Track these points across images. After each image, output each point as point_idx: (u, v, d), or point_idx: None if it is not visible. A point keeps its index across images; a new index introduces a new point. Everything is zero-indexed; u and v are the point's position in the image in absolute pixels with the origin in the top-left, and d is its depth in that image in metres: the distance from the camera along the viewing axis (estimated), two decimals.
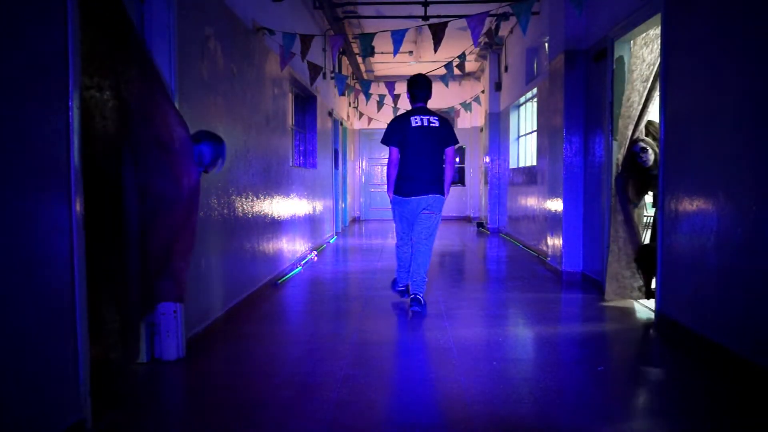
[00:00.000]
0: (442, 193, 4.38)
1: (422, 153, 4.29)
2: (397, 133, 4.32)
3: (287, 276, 5.74)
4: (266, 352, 3.39)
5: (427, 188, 4.30)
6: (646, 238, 4.85)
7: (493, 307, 4.57)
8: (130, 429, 2.40)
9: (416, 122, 4.30)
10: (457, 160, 14.01)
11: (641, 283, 4.41)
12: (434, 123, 4.32)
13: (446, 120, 4.45)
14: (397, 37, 4.73)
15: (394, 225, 4.59)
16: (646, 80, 4.29)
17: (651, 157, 4.26)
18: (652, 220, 4.66)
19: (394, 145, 4.32)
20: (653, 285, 4.38)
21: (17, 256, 1.94)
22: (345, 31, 8.50)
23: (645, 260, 4.27)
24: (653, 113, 4.29)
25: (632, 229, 4.40)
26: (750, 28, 2.81)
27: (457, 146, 4.51)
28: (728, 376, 2.88)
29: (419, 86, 4.42)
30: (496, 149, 10.58)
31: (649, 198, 4.65)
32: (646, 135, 4.45)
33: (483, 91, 11.45)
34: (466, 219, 13.70)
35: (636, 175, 4.34)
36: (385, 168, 4.52)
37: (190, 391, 2.88)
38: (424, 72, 5.15)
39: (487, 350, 3.41)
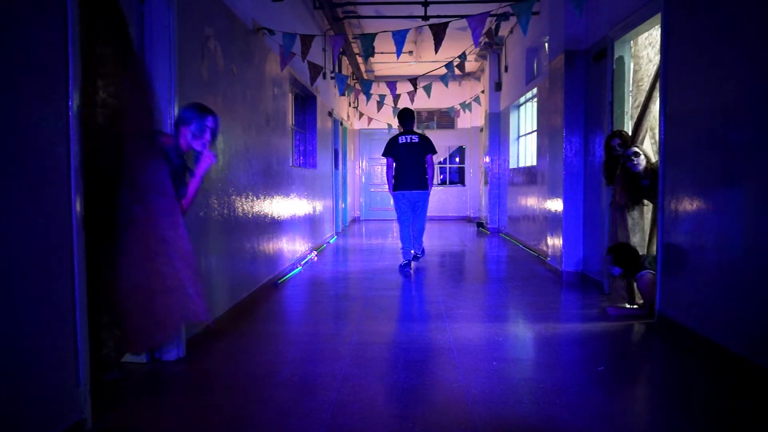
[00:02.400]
0: (425, 189, 6.25)
1: (407, 161, 6.21)
2: (390, 148, 6.31)
3: (287, 276, 5.74)
4: (266, 352, 3.39)
5: (413, 185, 6.20)
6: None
7: (493, 307, 4.57)
8: (130, 429, 2.40)
9: (402, 140, 6.26)
10: (457, 160, 14.06)
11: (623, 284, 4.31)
12: (414, 140, 6.24)
13: (425, 137, 6.32)
14: (399, 38, 4.73)
15: (396, 213, 6.44)
16: (649, 80, 4.28)
17: (642, 163, 4.10)
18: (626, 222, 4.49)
19: (389, 156, 6.31)
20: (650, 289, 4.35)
21: (17, 255, 1.94)
22: (345, 31, 8.50)
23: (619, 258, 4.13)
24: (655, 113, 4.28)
25: (623, 231, 4.35)
26: (749, 28, 2.81)
27: (434, 153, 6.35)
28: (728, 376, 2.88)
29: (406, 117, 6.40)
30: (496, 149, 10.58)
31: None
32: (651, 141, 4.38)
33: (483, 91, 11.44)
34: (466, 219, 13.70)
35: (628, 179, 4.23)
36: (385, 169, 7.23)
37: (190, 391, 2.87)
38: (423, 72, 5.34)
39: (487, 350, 3.41)
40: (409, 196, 6.23)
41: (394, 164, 6.29)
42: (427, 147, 6.22)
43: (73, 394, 2.24)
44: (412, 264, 6.41)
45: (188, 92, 3.39)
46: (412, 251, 6.36)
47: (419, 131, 6.46)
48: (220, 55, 3.97)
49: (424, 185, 6.21)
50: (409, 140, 6.23)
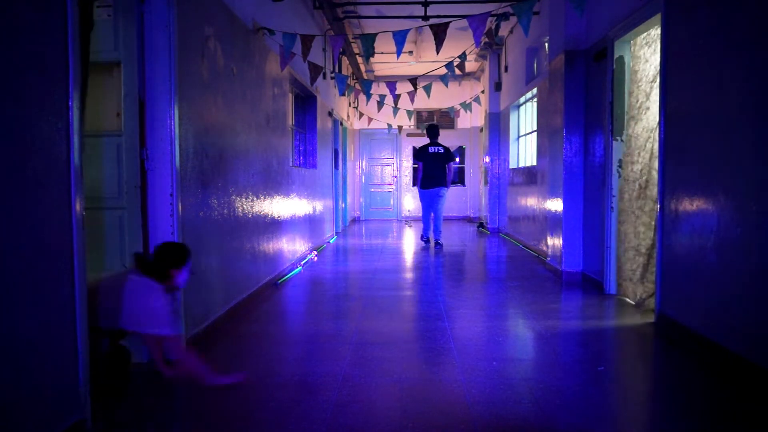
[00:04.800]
0: (444, 186, 8.36)
1: (432, 166, 8.33)
2: (421, 154, 8.43)
3: (287, 276, 5.74)
4: (266, 352, 3.39)
5: (435, 184, 8.33)
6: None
7: (493, 307, 4.57)
8: (130, 429, 2.40)
9: (431, 150, 8.37)
10: (457, 160, 14.05)
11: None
12: (440, 150, 8.37)
13: (447, 148, 8.44)
14: (400, 38, 4.72)
15: (421, 205, 8.67)
16: (652, 80, 4.28)
17: None
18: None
19: (420, 161, 8.42)
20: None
21: (18, 256, 1.94)
22: (345, 31, 8.50)
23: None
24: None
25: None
26: (750, 28, 2.81)
27: (454, 161, 8.52)
28: (728, 376, 2.88)
29: (432, 130, 8.55)
30: (496, 149, 10.57)
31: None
32: None
33: (483, 91, 11.44)
34: (466, 219, 13.69)
35: None
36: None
37: (190, 391, 2.87)
38: (423, 72, 5.35)
39: (487, 350, 3.41)
40: (431, 192, 8.36)
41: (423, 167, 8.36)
42: (448, 156, 8.37)
43: (73, 394, 2.24)
44: (432, 247, 8.30)
45: (188, 92, 3.39)
46: (433, 239, 8.42)
47: (442, 143, 8.47)
48: (220, 55, 3.97)
49: (443, 183, 8.35)
50: (435, 150, 8.35)
